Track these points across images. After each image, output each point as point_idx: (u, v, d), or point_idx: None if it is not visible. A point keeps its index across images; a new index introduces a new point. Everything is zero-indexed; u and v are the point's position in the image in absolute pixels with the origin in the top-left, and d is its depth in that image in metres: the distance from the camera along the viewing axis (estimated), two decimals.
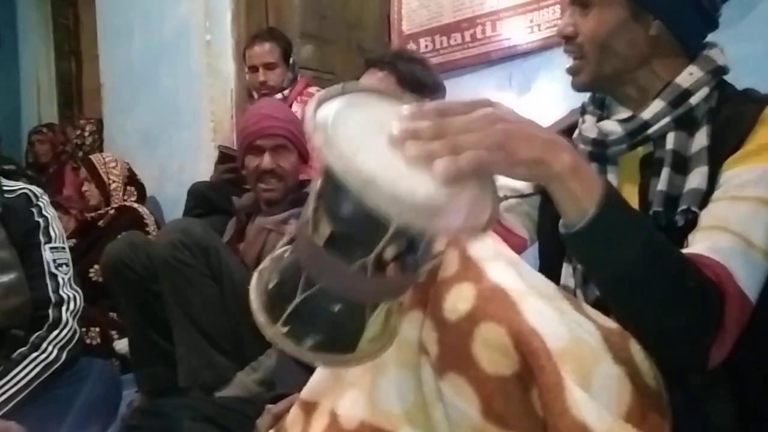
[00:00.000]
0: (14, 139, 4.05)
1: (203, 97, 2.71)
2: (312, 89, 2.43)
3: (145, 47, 3.08)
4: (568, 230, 0.71)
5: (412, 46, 1.92)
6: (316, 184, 0.65)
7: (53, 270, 1.36)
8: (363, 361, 0.70)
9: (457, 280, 0.74)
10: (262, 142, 1.72)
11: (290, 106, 2.33)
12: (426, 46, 1.91)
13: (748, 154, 0.82)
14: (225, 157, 2.24)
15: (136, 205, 2.71)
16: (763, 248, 0.78)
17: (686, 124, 0.88)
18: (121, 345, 2.09)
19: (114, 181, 2.71)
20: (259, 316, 0.68)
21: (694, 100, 0.87)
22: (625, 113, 0.93)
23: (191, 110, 2.78)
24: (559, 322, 0.70)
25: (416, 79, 1.40)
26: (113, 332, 2.27)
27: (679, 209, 0.83)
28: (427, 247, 0.68)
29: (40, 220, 1.38)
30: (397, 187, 0.58)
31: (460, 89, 1.73)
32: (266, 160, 1.71)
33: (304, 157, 1.80)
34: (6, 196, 1.36)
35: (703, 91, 0.88)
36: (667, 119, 0.88)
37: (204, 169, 2.66)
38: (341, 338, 0.69)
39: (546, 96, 1.66)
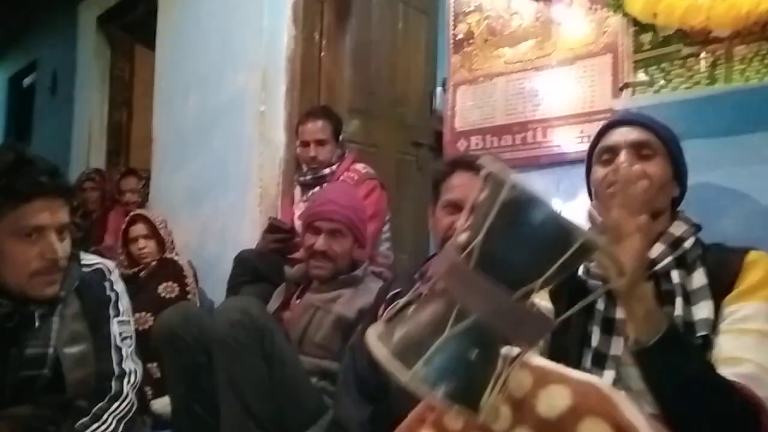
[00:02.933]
0: None
1: (253, 163, 2.82)
2: (358, 165, 2.53)
3: (199, 108, 3.21)
4: (640, 346, 0.88)
5: (463, 143, 2.01)
6: (487, 220, 0.72)
7: (118, 343, 1.43)
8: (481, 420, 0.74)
9: (541, 385, 0.80)
10: (321, 224, 1.86)
11: (337, 179, 2.44)
12: (477, 144, 2.00)
13: (742, 294, 1.02)
14: (274, 228, 2.33)
15: (176, 257, 2.79)
16: None
17: (683, 265, 1.08)
18: (158, 405, 2.13)
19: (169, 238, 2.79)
20: (391, 364, 0.72)
21: (686, 245, 1.09)
22: None
23: (240, 174, 2.89)
24: (643, 416, 0.78)
25: None
26: (147, 388, 2.31)
27: (698, 334, 1.00)
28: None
29: (112, 294, 1.46)
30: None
31: None
32: (320, 242, 1.84)
33: (359, 241, 1.90)
34: (84, 270, 1.44)
35: (691, 240, 1.10)
36: (669, 259, 1.07)
37: (247, 233, 2.75)
38: (471, 389, 0.74)
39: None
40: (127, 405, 1.40)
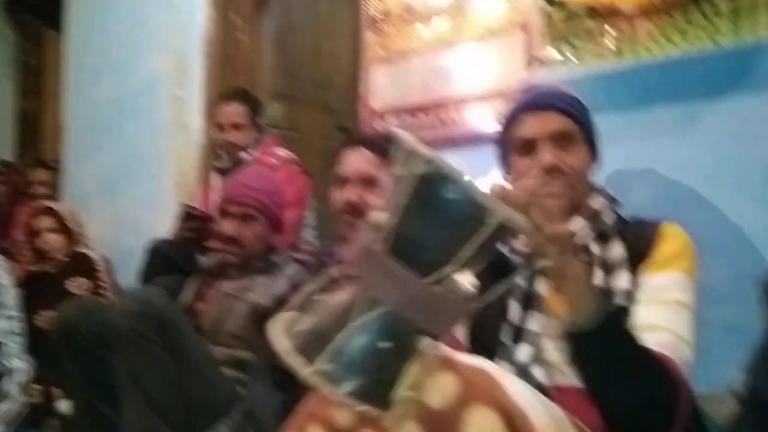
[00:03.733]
0: None
1: (168, 150, 2.70)
2: (278, 150, 2.46)
3: (112, 94, 3.05)
4: (577, 329, 0.87)
5: (380, 123, 1.97)
6: (398, 199, 0.67)
7: (2, 338, 1.32)
8: (391, 421, 0.70)
9: (430, 374, 0.76)
10: (231, 208, 1.78)
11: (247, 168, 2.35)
12: (393, 124, 1.96)
13: (658, 264, 1.03)
14: (189, 215, 2.22)
15: (88, 251, 2.64)
16: (689, 342, 0.98)
17: (601, 237, 1.08)
18: (64, 406, 2.01)
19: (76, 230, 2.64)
20: (292, 357, 0.67)
21: (604, 217, 1.09)
22: None
23: (155, 162, 2.76)
24: (536, 400, 0.79)
25: None
26: (56, 390, 2.18)
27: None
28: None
29: None
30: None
31: None
32: (229, 227, 1.75)
33: (275, 227, 1.83)
34: None
35: (608, 214, 1.10)
36: (588, 232, 1.08)
37: (163, 223, 2.61)
38: (381, 383, 0.69)
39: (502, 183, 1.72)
40: (14, 405, 1.30)
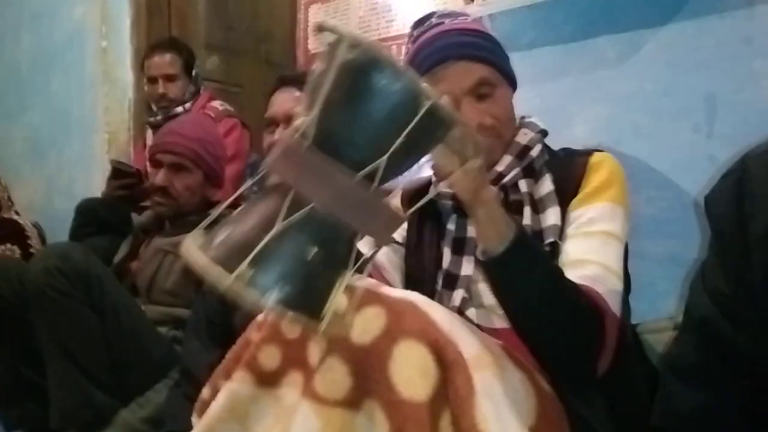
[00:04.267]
0: None
1: (98, 106, 2.56)
2: (215, 103, 2.35)
3: (34, 49, 2.87)
4: (487, 255, 0.84)
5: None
6: (322, 90, 0.60)
7: None
8: (322, 333, 0.63)
9: (356, 308, 0.74)
10: (162, 156, 1.69)
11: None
12: None
13: (587, 196, 0.99)
14: (119, 172, 2.10)
15: (17, 216, 2.50)
16: (617, 272, 0.94)
17: (530, 173, 1.04)
18: None
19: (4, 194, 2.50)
20: (211, 269, 0.58)
21: (533, 153, 1.03)
22: None
23: (84, 119, 2.62)
24: (467, 330, 0.76)
25: None
26: None
27: (546, 242, 0.97)
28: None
29: None
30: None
31: None
32: (159, 177, 1.67)
33: (212, 179, 1.74)
34: None
35: (537, 148, 1.04)
36: (516, 170, 1.03)
37: (97, 184, 2.49)
38: (310, 293, 0.62)
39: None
40: None
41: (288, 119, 1.40)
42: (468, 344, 0.74)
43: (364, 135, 0.61)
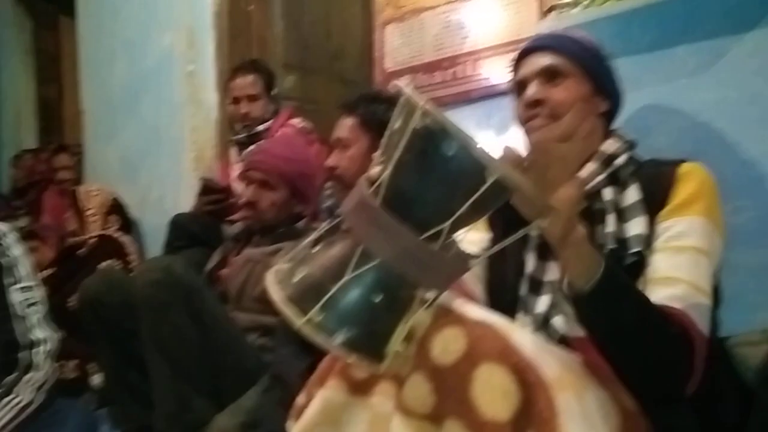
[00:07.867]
0: None
1: (185, 126, 2.71)
2: (294, 121, 2.44)
3: (127, 75, 3.07)
4: (575, 291, 0.84)
5: (394, 83, 1.94)
6: (396, 152, 0.66)
7: (21, 312, 1.33)
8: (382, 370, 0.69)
9: (437, 328, 0.77)
10: (251, 174, 1.80)
11: (272, 137, 2.34)
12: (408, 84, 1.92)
13: (676, 208, 0.98)
14: (207, 188, 2.23)
15: (117, 234, 2.68)
16: (707, 291, 0.93)
17: (615, 182, 1.04)
18: (99, 380, 2.05)
19: (90, 210, 2.68)
20: (286, 308, 0.67)
21: (619, 161, 1.05)
22: None
23: (173, 140, 2.78)
24: (547, 351, 0.77)
25: (377, 119, 1.51)
26: (91, 365, 2.23)
27: (630, 251, 0.97)
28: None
29: (2, 261, 1.35)
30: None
31: None
32: (248, 192, 1.77)
33: (299, 195, 1.82)
34: None
35: (624, 157, 1.05)
36: (599, 178, 1.04)
37: (185, 199, 2.64)
38: (373, 336, 0.68)
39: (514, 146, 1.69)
40: (41, 375, 1.32)
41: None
42: (549, 365, 0.74)
43: (431, 197, 0.66)
